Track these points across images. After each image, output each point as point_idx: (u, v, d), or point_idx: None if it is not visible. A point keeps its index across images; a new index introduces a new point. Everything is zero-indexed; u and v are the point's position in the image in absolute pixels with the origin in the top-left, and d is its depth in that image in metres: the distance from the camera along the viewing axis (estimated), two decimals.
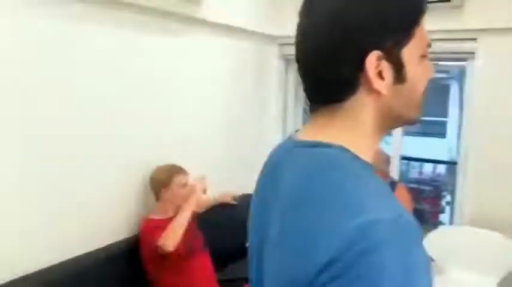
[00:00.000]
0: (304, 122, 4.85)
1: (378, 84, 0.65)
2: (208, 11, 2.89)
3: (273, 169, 0.77)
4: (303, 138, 0.73)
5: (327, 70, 0.67)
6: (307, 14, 0.70)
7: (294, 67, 3.97)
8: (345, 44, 0.65)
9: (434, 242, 3.07)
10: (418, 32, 0.67)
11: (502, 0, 2.91)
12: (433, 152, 7.22)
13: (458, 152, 9.14)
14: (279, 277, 0.63)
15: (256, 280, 0.75)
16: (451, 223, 3.44)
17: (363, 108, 0.68)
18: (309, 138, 0.71)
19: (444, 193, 4.83)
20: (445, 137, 9.49)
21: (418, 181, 5.32)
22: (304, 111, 4.54)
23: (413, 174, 5.62)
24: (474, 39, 3.06)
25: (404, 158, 4.58)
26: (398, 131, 3.50)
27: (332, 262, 0.53)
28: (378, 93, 0.66)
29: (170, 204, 2.50)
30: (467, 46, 3.12)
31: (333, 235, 0.55)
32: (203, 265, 2.54)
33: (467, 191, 3.18)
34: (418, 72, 0.69)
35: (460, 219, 3.24)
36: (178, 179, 2.51)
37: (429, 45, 0.70)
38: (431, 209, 4.64)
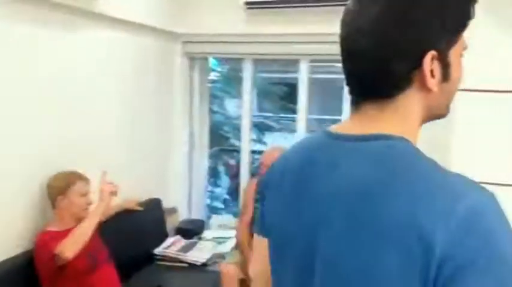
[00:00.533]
0: (213, 122, 4.82)
1: (430, 82, 0.69)
2: (107, 6, 2.71)
3: (314, 165, 0.77)
4: (350, 132, 0.74)
5: (384, 66, 0.69)
6: (360, 10, 0.71)
7: (198, 65, 3.89)
8: (406, 43, 0.68)
9: None
10: (462, 35, 0.72)
11: None
12: None
13: None
14: (363, 263, 0.65)
15: (299, 265, 0.75)
16: None
17: (413, 103, 0.72)
18: (358, 132, 0.73)
19: None
20: None
21: None
22: (211, 110, 4.48)
23: None
24: None
25: None
26: (301, 130, 3.60)
27: (448, 241, 0.58)
28: (428, 90, 0.70)
29: (67, 214, 2.28)
30: None
31: (447, 219, 0.59)
32: (108, 279, 2.36)
33: None
34: (459, 72, 0.73)
35: None
36: (77, 187, 2.30)
37: (465, 48, 0.74)
38: None
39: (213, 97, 6.13)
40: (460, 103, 2.14)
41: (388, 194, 0.65)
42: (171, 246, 3.25)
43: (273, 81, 8.11)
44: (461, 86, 0.77)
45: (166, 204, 3.48)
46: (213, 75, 6.08)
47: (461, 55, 0.73)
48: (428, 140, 0.89)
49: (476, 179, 0.65)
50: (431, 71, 0.69)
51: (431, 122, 0.77)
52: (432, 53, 0.68)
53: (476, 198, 0.62)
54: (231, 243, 3.23)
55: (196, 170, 4.01)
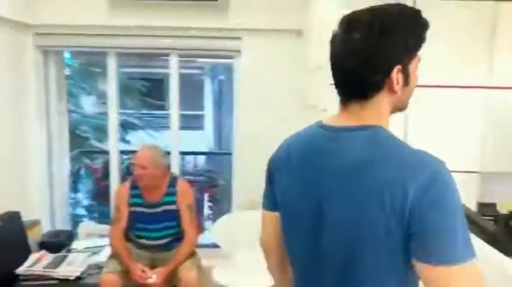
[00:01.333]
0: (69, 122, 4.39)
1: (396, 87, 0.99)
2: None
3: (317, 151, 1.05)
4: (341, 124, 1.03)
5: (364, 77, 0.99)
6: (346, 36, 1.00)
7: (54, 60, 3.50)
8: (380, 61, 0.97)
9: (218, 230, 3.23)
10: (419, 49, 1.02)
11: (264, 3, 3.23)
12: (193, 144, 7.58)
13: (218, 143, 9.82)
14: (362, 219, 0.94)
15: (311, 231, 1.03)
16: (229, 210, 3.66)
17: (384, 101, 1.02)
18: (347, 124, 1.02)
19: (221, 182, 5.19)
20: (203, 130, 10.11)
21: (194, 173, 5.54)
22: (67, 109, 4.08)
23: (186, 166, 5.81)
24: (239, 38, 3.31)
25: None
26: (174, 126, 3.51)
27: (416, 201, 0.88)
28: (395, 92, 1.00)
29: None
30: (232, 44, 3.34)
31: (416, 180, 0.89)
32: None
33: (243, 179, 3.45)
34: (415, 79, 1.04)
35: (239, 205, 3.49)
36: None
37: (420, 61, 1.04)
38: (209, 199, 4.91)
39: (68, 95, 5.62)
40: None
41: (373, 166, 0.94)
42: (36, 263, 2.89)
43: (133, 77, 7.76)
44: None
45: (26, 216, 3.07)
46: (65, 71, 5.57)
47: (417, 66, 1.03)
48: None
49: None
50: (397, 80, 0.98)
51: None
52: (398, 67, 0.98)
53: (436, 164, 0.92)
54: (107, 252, 3.00)
55: (58, 177, 3.64)
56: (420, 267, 0.90)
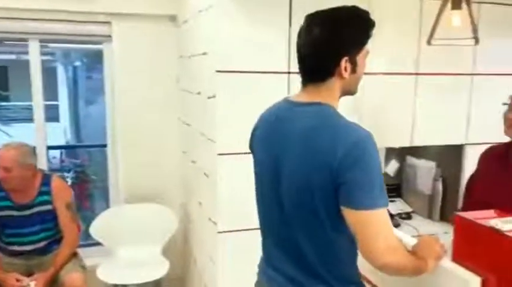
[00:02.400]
0: None
1: (344, 74, 1.25)
2: None
3: (280, 120, 1.32)
4: (301, 100, 1.31)
5: (320, 65, 1.27)
6: (307, 31, 1.27)
7: None
8: (332, 52, 1.24)
9: (99, 227, 3.05)
10: (366, 46, 1.28)
11: None
12: (49, 137, 6.94)
13: (76, 135, 9.11)
14: (305, 173, 1.21)
15: (272, 185, 1.32)
16: (107, 205, 3.47)
17: (335, 85, 1.28)
18: (305, 101, 1.29)
19: (93, 177, 4.83)
20: (58, 121, 9.29)
21: (61, 169, 5.06)
22: None
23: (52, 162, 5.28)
24: (108, 22, 3.12)
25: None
26: (39, 119, 3.18)
27: (344, 158, 1.14)
28: (343, 78, 1.26)
29: None
30: (101, 29, 3.14)
31: (344, 144, 1.15)
32: None
33: (120, 172, 3.30)
34: (362, 68, 1.30)
35: (117, 199, 3.34)
36: None
37: (368, 53, 1.30)
38: (81, 195, 4.54)
39: None
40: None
41: (319, 134, 1.21)
42: None
43: None
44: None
45: None
46: None
47: (365, 57, 1.29)
48: None
49: None
50: (345, 68, 1.24)
51: None
52: (346, 58, 1.24)
53: (361, 133, 1.19)
54: None
55: None
56: (345, 212, 1.17)
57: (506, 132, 1.83)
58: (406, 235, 1.55)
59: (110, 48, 3.20)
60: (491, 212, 1.37)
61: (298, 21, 2.31)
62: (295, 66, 2.34)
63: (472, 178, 2.22)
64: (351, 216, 1.16)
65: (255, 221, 2.39)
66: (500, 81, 2.81)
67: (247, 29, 2.23)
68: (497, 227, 1.25)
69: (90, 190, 4.82)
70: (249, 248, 2.36)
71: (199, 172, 2.73)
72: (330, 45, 1.23)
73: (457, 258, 1.35)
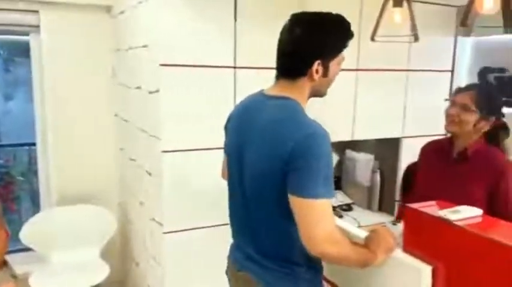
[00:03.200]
0: None
1: (314, 76, 1.33)
2: None
3: (250, 110, 1.42)
4: (272, 94, 1.38)
5: (293, 64, 1.34)
6: (289, 31, 1.33)
7: None
8: (307, 54, 1.31)
9: (30, 233, 2.83)
10: (341, 54, 1.36)
11: None
12: None
13: None
14: (262, 161, 1.30)
15: (237, 169, 1.42)
16: (37, 208, 3.23)
17: (305, 84, 1.35)
18: (276, 94, 1.37)
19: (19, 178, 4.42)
20: None
21: None
22: None
23: None
24: (35, 11, 2.89)
25: None
26: None
27: (294, 148, 1.21)
28: (314, 79, 1.34)
29: None
30: (28, 19, 2.90)
31: (298, 136, 1.22)
32: None
33: (51, 173, 3.07)
34: (334, 73, 1.38)
35: (49, 201, 3.11)
36: None
37: (343, 60, 1.38)
38: (6, 197, 4.14)
39: None
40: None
41: (279, 126, 1.29)
42: None
43: None
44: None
45: None
46: None
47: (339, 63, 1.37)
48: None
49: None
50: (317, 70, 1.31)
51: None
52: (318, 61, 1.31)
53: (318, 129, 1.24)
54: None
55: None
56: (290, 199, 1.23)
57: (446, 128, 1.91)
58: (356, 228, 1.58)
59: (38, 40, 2.96)
60: (437, 203, 1.43)
61: (244, 16, 2.33)
62: (241, 61, 2.36)
63: (410, 169, 2.33)
64: (295, 203, 1.22)
65: (202, 220, 2.36)
66: (432, 78, 2.97)
67: (192, 22, 2.16)
68: (446, 217, 1.31)
69: (16, 192, 4.45)
70: (196, 247, 2.32)
71: (140, 170, 2.61)
72: (306, 47, 1.30)
73: (408, 248, 1.40)
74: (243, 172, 1.39)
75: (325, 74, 1.33)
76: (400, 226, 1.81)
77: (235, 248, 1.53)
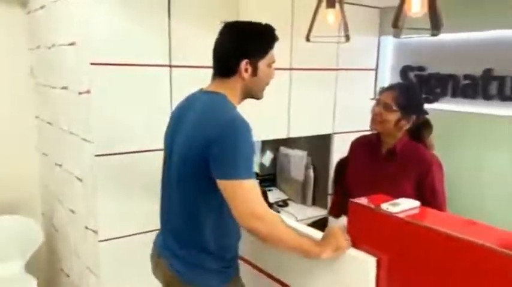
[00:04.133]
0: None
1: (243, 74, 1.46)
2: None
3: (188, 104, 1.53)
4: (206, 90, 1.52)
5: (225, 64, 1.48)
6: (220, 36, 1.50)
7: None
8: (235, 54, 1.46)
9: None
10: (269, 55, 1.49)
11: None
12: None
13: None
14: (184, 148, 1.43)
15: (168, 161, 1.53)
16: None
17: (237, 83, 1.48)
18: (209, 90, 1.51)
19: None
20: None
21: None
22: None
23: None
24: None
25: None
26: None
27: (213, 135, 1.33)
28: (244, 78, 1.47)
29: None
30: None
31: (218, 124, 1.36)
32: None
33: None
34: (265, 74, 1.50)
35: None
36: None
37: (273, 62, 1.52)
38: None
39: None
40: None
41: (203, 116, 1.41)
42: None
43: None
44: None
45: None
46: None
47: (269, 64, 1.50)
48: None
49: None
50: (245, 69, 1.45)
51: None
52: (246, 60, 1.44)
53: (237, 118, 1.37)
54: None
55: None
56: (219, 183, 1.33)
57: (371, 126, 1.98)
58: (310, 228, 1.62)
59: None
60: (377, 198, 1.49)
61: (178, 12, 2.27)
62: (177, 60, 2.30)
63: (341, 164, 2.41)
64: (221, 185, 1.33)
65: (139, 226, 2.27)
66: (358, 76, 3.11)
67: (124, 18, 2.07)
68: (388, 210, 1.37)
69: None
70: (134, 255, 2.22)
71: (68, 176, 2.46)
72: (232, 47, 1.46)
73: (353, 241, 1.45)
74: (171, 164, 1.50)
75: (255, 73, 1.47)
76: (342, 219, 1.88)
77: (159, 235, 1.62)
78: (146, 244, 2.25)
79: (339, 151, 2.96)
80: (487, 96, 2.68)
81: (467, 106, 2.78)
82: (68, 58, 2.26)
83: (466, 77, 2.77)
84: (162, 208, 1.62)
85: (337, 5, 2.07)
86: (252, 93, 1.52)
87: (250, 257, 1.78)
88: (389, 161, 1.95)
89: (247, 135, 1.34)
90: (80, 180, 2.28)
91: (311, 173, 3.12)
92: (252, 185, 1.33)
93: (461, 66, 2.78)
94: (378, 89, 3.22)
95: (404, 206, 1.39)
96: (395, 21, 1.66)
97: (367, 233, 1.43)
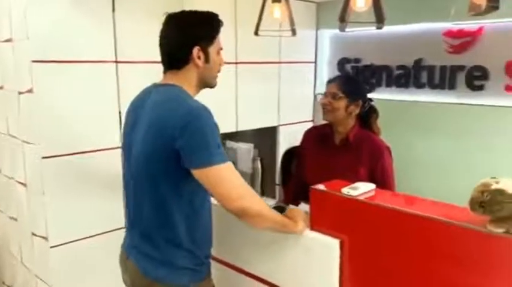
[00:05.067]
0: None
1: (197, 61, 1.43)
2: None
3: (142, 99, 1.48)
4: (159, 83, 1.48)
5: (175, 53, 1.44)
6: (165, 27, 1.45)
7: None
8: (184, 42, 1.42)
9: None
10: (216, 41, 1.48)
11: None
12: None
13: None
14: (147, 143, 1.37)
15: (127, 158, 1.49)
16: None
17: (191, 72, 1.45)
18: (162, 83, 1.47)
19: None
20: None
21: None
22: None
23: None
24: None
25: None
26: None
27: (178, 126, 1.28)
28: (197, 66, 1.44)
29: None
30: None
31: (180, 115, 1.30)
32: None
33: None
34: (215, 60, 1.49)
35: None
36: None
37: (221, 48, 1.51)
38: None
39: None
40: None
41: (161, 107, 1.37)
42: None
43: None
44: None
45: None
46: None
47: (218, 50, 1.48)
48: None
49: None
50: (198, 56, 1.42)
51: None
52: (198, 47, 1.42)
53: (196, 105, 1.34)
54: None
55: None
56: (195, 173, 1.31)
57: (324, 118, 2.08)
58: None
59: None
60: (337, 183, 1.57)
61: (123, 6, 2.20)
62: (123, 55, 2.23)
63: (290, 152, 2.48)
64: (198, 175, 1.31)
65: (92, 228, 2.19)
66: (299, 69, 3.21)
67: (66, 13, 1.97)
68: (349, 193, 1.45)
69: None
70: (88, 258, 2.15)
71: (8, 181, 2.31)
72: (182, 36, 1.42)
73: (316, 226, 1.52)
74: (132, 159, 1.45)
75: (207, 59, 1.44)
76: (302, 206, 1.95)
77: (126, 236, 1.56)
78: (102, 245, 2.20)
79: (285, 142, 3.05)
80: (419, 85, 2.89)
81: (401, 95, 2.98)
82: (4, 56, 2.12)
83: (398, 67, 2.96)
84: (127, 208, 1.55)
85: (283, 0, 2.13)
86: (207, 81, 1.49)
87: (218, 254, 1.78)
88: (344, 149, 2.06)
89: (211, 121, 1.32)
90: (24, 185, 2.16)
91: (258, 165, 3.17)
92: (231, 168, 1.33)
93: (394, 57, 2.97)
94: (317, 81, 3.37)
95: (363, 189, 1.48)
96: (342, 15, 1.75)
97: (330, 218, 1.51)
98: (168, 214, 1.40)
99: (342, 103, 2.01)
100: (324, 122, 2.13)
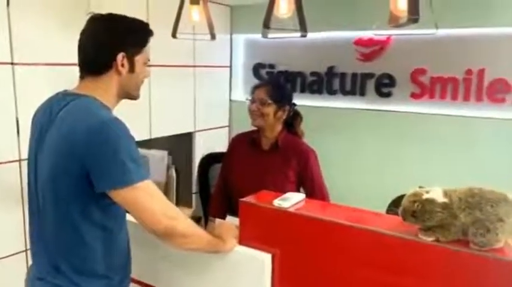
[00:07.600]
0: None
1: (120, 69, 1.30)
2: None
3: (50, 113, 1.28)
4: (72, 92, 1.31)
5: (97, 57, 1.30)
6: (89, 29, 1.32)
7: None
8: (109, 46, 1.29)
9: None
10: (145, 51, 1.35)
11: None
12: None
13: None
14: (54, 164, 1.21)
15: (33, 177, 1.31)
16: None
17: (112, 80, 1.31)
18: (76, 92, 1.31)
19: None
20: None
21: None
22: None
23: None
24: None
25: None
26: None
27: (89, 141, 1.14)
28: (119, 73, 1.31)
29: None
30: None
31: (87, 130, 1.16)
32: None
33: None
34: (140, 71, 1.36)
35: None
36: None
37: (149, 60, 1.38)
38: None
39: None
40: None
41: (68, 123, 1.20)
42: None
43: None
44: None
45: None
46: None
47: (144, 62, 1.36)
48: None
49: None
50: (122, 63, 1.29)
51: None
52: (122, 54, 1.29)
53: (105, 117, 1.19)
54: None
55: None
56: (112, 194, 1.17)
57: (253, 124, 2.07)
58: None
59: None
60: (266, 194, 1.52)
61: (19, 1, 1.94)
62: (20, 56, 1.97)
63: (207, 160, 2.41)
64: (116, 197, 1.17)
65: (10, 248, 1.90)
66: (215, 73, 3.14)
67: None
68: (280, 206, 1.41)
69: None
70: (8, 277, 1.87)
71: None
72: (108, 39, 1.29)
73: (246, 241, 1.45)
74: (37, 180, 1.29)
75: (132, 69, 1.31)
76: (230, 219, 1.87)
77: (31, 267, 1.38)
78: (2, 271, 1.92)
79: (201, 148, 2.95)
80: (331, 91, 2.97)
81: (315, 101, 3.05)
82: None
83: (312, 74, 3.03)
84: (33, 236, 1.37)
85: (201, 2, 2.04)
86: (129, 91, 1.35)
87: (139, 276, 1.64)
88: (272, 154, 2.06)
89: (125, 134, 1.18)
90: None
91: (173, 173, 3.03)
92: (150, 186, 1.21)
93: (308, 64, 3.03)
94: (232, 85, 3.32)
95: (293, 200, 1.45)
96: (267, 21, 1.72)
97: (260, 231, 1.45)
98: (81, 242, 1.25)
99: (270, 109, 2.02)
100: (253, 128, 2.11)
